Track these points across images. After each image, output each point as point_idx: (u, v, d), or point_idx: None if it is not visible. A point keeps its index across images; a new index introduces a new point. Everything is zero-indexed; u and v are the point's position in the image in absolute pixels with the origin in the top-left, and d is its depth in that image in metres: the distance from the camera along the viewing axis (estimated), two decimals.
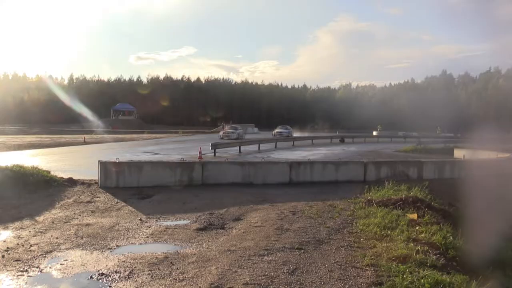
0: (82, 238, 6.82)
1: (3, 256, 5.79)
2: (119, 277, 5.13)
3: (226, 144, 24.20)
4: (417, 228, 7.47)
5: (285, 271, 5.25)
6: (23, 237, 6.76)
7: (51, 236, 6.89)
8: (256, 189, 11.44)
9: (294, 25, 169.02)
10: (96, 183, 11.29)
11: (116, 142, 31.56)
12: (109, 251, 6.20)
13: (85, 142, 29.64)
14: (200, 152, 19.66)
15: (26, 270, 5.31)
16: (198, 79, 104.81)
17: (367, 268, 5.43)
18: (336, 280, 5.04)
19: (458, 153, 25.44)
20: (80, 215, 8.40)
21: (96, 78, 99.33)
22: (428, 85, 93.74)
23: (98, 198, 9.92)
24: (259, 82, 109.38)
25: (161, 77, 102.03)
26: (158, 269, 5.37)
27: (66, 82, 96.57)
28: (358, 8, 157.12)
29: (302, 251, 6.12)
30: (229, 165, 13.05)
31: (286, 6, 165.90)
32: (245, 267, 5.36)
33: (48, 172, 11.51)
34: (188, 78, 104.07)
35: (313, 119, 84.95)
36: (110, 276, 5.17)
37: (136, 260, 5.70)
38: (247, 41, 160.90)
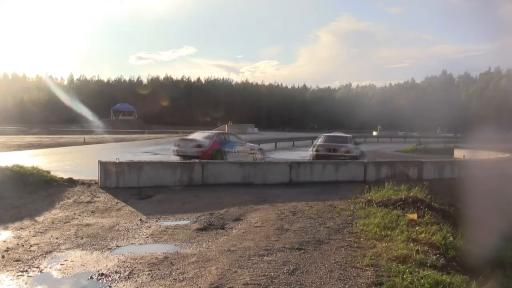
0: (82, 238, 6.81)
1: (3, 256, 5.79)
2: (119, 277, 5.13)
3: None
4: (417, 228, 7.46)
5: (285, 271, 5.25)
6: (23, 237, 6.76)
7: (51, 236, 6.89)
8: (256, 189, 11.42)
9: (295, 25, 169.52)
10: (96, 183, 11.29)
11: (116, 142, 31.55)
12: (109, 251, 6.20)
13: (85, 142, 29.63)
14: None
15: (26, 270, 5.30)
16: (198, 79, 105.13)
17: (367, 268, 5.43)
18: (336, 280, 5.04)
19: (458, 153, 25.48)
20: (80, 215, 8.40)
21: (96, 78, 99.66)
22: (428, 85, 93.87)
23: (98, 198, 9.92)
24: (259, 82, 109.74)
25: (161, 77, 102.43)
26: (158, 269, 5.37)
27: (66, 82, 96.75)
28: (359, 8, 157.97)
29: (302, 251, 6.11)
30: (229, 165, 13.04)
31: (287, 6, 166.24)
32: (245, 267, 5.35)
33: (48, 172, 11.49)
34: (188, 78, 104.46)
35: (313, 119, 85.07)
36: (110, 276, 5.16)
37: (136, 260, 5.69)
38: (247, 41, 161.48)
